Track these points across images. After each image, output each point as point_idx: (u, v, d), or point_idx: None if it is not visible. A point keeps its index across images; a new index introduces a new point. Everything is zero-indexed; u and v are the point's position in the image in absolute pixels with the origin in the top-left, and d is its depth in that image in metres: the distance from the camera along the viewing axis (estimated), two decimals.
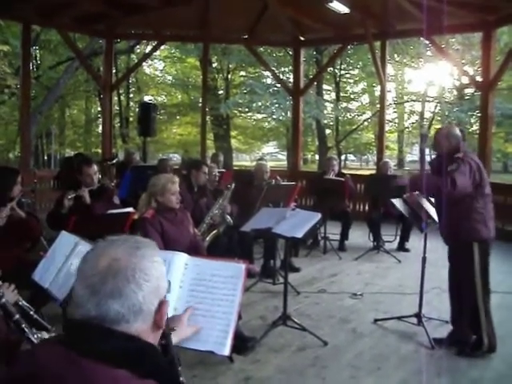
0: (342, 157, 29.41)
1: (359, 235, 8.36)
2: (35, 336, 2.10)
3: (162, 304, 1.25)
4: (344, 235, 7.91)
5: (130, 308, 1.17)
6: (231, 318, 2.01)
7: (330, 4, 8.87)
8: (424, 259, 4.58)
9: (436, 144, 4.19)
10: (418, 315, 4.56)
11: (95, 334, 1.16)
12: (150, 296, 1.21)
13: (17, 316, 2.14)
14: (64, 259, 2.99)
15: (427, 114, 24.95)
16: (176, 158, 29.01)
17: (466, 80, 16.84)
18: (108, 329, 1.17)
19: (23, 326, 2.11)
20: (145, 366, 1.17)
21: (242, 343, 3.94)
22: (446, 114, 20.64)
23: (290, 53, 14.12)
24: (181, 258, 2.16)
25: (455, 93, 21.28)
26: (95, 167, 5.21)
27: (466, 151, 4.05)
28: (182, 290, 2.09)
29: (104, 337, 1.16)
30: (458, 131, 4.18)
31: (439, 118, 23.27)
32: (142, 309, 1.19)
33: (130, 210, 4.29)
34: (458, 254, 4.13)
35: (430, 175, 4.06)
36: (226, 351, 1.97)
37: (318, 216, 4.52)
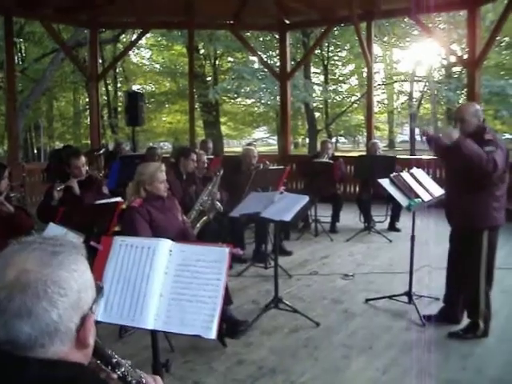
0: (333, 139, 29.48)
1: (350, 217, 8.39)
2: None
3: (85, 319, 1.06)
4: (335, 217, 7.94)
5: (42, 329, 0.98)
6: (217, 302, 2.04)
7: None
8: (413, 238, 4.63)
9: (463, 123, 3.82)
10: (409, 293, 4.61)
11: (5, 365, 0.98)
12: (68, 313, 1.01)
13: None
14: None
15: (416, 94, 24.95)
16: (166, 146, 28.97)
17: (453, 59, 16.81)
18: (20, 357, 0.99)
19: None
20: None
21: (235, 327, 3.99)
22: (435, 92, 20.66)
23: (277, 36, 14.04)
24: (165, 245, 2.18)
25: (443, 72, 21.26)
26: (83, 159, 5.20)
27: (493, 132, 3.87)
28: (168, 276, 2.11)
29: (16, 368, 0.98)
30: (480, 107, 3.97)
31: (429, 98, 23.31)
32: (59, 329, 1.00)
33: (118, 199, 4.29)
34: (465, 239, 4.01)
35: (472, 142, 3.63)
36: (213, 334, 1.99)
37: (305, 199, 4.54)
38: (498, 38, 12.34)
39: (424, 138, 4.06)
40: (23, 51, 21.47)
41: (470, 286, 4.01)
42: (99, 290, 1.13)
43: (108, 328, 3.75)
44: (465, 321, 4.10)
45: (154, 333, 2.35)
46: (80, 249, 1.13)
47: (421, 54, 21.15)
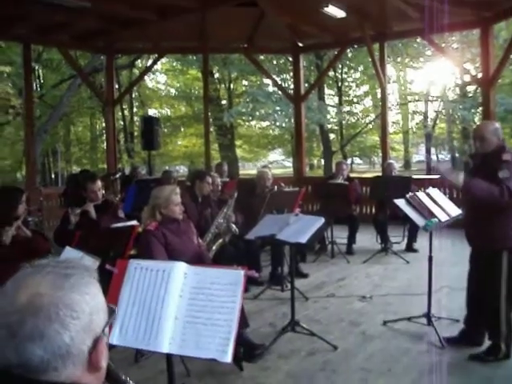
0: (349, 160, 29.44)
1: (367, 238, 8.33)
2: None
3: (97, 341, 1.05)
4: (351, 239, 7.89)
5: (55, 352, 0.98)
6: (232, 325, 2.02)
7: (326, 9, 8.90)
8: (430, 258, 4.57)
9: (483, 142, 3.79)
10: (428, 315, 4.54)
11: None
12: (80, 335, 1.01)
13: None
14: None
15: (431, 114, 24.91)
16: (182, 169, 29.14)
17: (467, 78, 16.79)
18: (33, 380, 0.98)
19: None
20: None
21: (251, 351, 3.95)
22: (450, 112, 20.60)
23: (290, 59, 14.17)
24: (179, 268, 2.18)
25: (457, 91, 21.23)
26: (99, 183, 5.25)
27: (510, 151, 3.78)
28: (182, 300, 2.10)
29: None
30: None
31: (444, 117, 23.25)
32: (71, 352, 1.00)
33: (134, 222, 4.31)
34: (485, 260, 3.95)
35: (480, 180, 3.66)
36: (228, 358, 1.97)
37: (321, 220, 4.52)
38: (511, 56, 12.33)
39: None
40: (41, 77, 21.87)
41: (490, 307, 3.94)
42: (111, 313, 1.13)
43: (124, 352, 3.73)
44: (486, 343, 4.02)
45: (169, 356, 2.33)
46: (92, 272, 1.13)
47: (434, 74, 21.21)
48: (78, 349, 1.01)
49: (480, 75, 10.22)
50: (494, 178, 3.62)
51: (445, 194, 5.06)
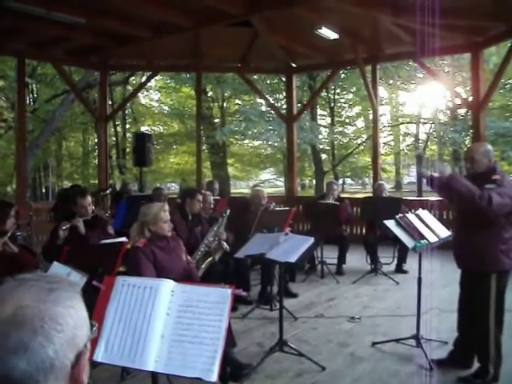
0: (340, 180, 29.52)
1: (357, 258, 8.33)
2: None
3: (80, 356, 1.04)
4: (341, 259, 7.89)
5: (38, 365, 0.97)
6: (218, 344, 2.00)
7: (319, 31, 9.00)
8: (419, 280, 4.58)
9: (473, 163, 3.85)
10: (417, 337, 4.53)
11: None
12: (64, 349, 1.00)
13: None
14: None
15: (422, 136, 25.11)
16: (174, 187, 29.12)
17: (458, 101, 16.98)
18: None
19: None
20: None
21: (238, 371, 3.91)
22: (441, 134, 20.77)
23: (283, 79, 14.28)
24: (167, 286, 2.16)
25: (448, 114, 21.44)
26: (89, 198, 5.24)
27: (502, 173, 3.83)
28: (169, 317, 2.09)
29: None
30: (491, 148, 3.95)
31: (435, 139, 23.43)
32: (54, 365, 0.99)
33: (123, 239, 4.29)
34: (473, 282, 3.95)
35: (465, 179, 3.70)
36: (214, 377, 1.95)
37: (311, 240, 4.52)
38: (502, 81, 12.51)
39: (424, 180, 4.09)
40: (35, 92, 21.88)
41: (479, 329, 3.93)
42: (92, 328, 1.12)
43: (110, 370, 3.69)
44: (475, 365, 4.01)
45: (154, 375, 2.30)
46: (76, 287, 1.12)
47: (426, 97, 21.42)
48: (61, 362, 1.00)
49: (470, 99, 10.34)
50: None
51: (434, 215, 5.07)
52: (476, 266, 3.91)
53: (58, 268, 3.25)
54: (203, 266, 5.40)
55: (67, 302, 1.04)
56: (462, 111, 19.75)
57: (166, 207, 4.25)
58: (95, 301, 2.32)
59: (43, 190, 25.06)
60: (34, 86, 20.99)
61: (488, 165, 3.83)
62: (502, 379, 3.89)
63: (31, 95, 21.28)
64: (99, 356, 2.12)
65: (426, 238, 4.41)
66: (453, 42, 9.68)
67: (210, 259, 5.53)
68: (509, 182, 3.78)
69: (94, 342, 2.11)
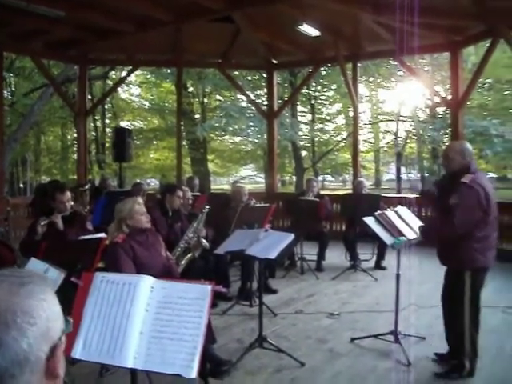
0: (320, 177, 29.62)
1: (336, 255, 8.38)
2: None
3: (55, 348, 1.04)
4: (321, 255, 7.92)
5: (12, 359, 0.96)
6: (198, 340, 2.00)
7: (301, 27, 9.01)
8: (398, 276, 4.63)
9: (447, 161, 3.94)
10: (395, 332, 4.58)
11: None
12: (38, 342, 1.00)
13: None
14: None
15: (402, 133, 25.30)
16: (154, 182, 28.97)
17: (437, 99, 17.15)
18: None
19: None
20: None
21: (218, 367, 3.91)
22: (421, 132, 20.95)
23: (265, 76, 14.27)
24: (146, 282, 2.15)
25: (428, 112, 21.62)
26: (68, 194, 5.19)
27: (476, 173, 3.83)
28: (148, 314, 2.08)
29: None
30: (470, 147, 3.98)
31: (414, 137, 23.63)
32: (29, 358, 0.98)
33: (102, 235, 4.26)
34: (451, 279, 4.02)
35: (432, 227, 4.04)
36: (193, 374, 1.95)
37: (290, 236, 4.54)
38: (480, 80, 12.66)
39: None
40: (13, 85, 21.55)
41: (455, 324, 3.98)
42: (67, 323, 1.11)
43: (89, 367, 3.67)
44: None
45: (133, 372, 2.29)
46: (48, 281, 1.12)
47: (406, 95, 21.56)
48: (35, 355, 0.99)
49: (449, 97, 10.45)
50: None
51: (413, 212, 5.12)
52: (452, 263, 3.98)
53: (35, 264, 3.22)
54: (183, 263, 5.38)
55: (40, 296, 1.04)
56: (440, 109, 19.92)
57: (140, 200, 4.25)
58: (74, 297, 2.31)
59: (21, 185, 24.75)
60: (12, 79, 20.68)
61: (462, 163, 3.86)
62: (479, 374, 3.95)
63: (9, 89, 20.96)
64: (77, 353, 2.10)
65: (404, 235, 4.46)
66: (432, 41, 9.76)
67: (189, 255, 5.51)
68: (479, 183, 3.76)
69: (72, 338, 2.10)
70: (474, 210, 3.70)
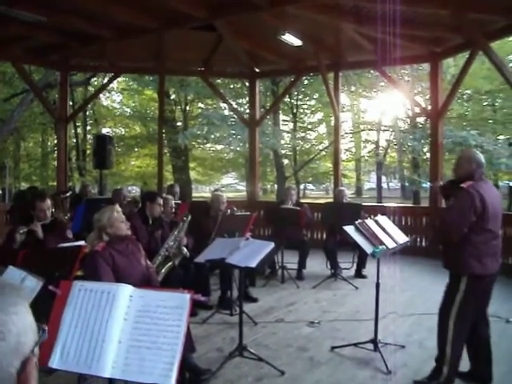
0: (302, 186, 29.72)
1: (317, 263, 8.40)
2: None
3: (26, 362, 1.01)
4: (301, 264, 7.93)
5: None
6: (176, 349, 1.99)
7: (283, 37, 9.06)
8: (378, 285, 4.65)
9: (457, 167, 4.03)
10: (374, 341, 4.60)
11: None
12: (8, 357, 0.97)
13: None
14: None
15: (382, 143, 25.53)
16: (135, 190, 28.80)
17: (417, 109, 17.35)
18: None
19: None
20: None
21: (197, 376, 3.89)
22: (401, 141, 21.14)
23: (247, 84, 14.32)
24: (125, 290, 2.14)
25: (408, 122, 21.85)
26: (49, 202, 5.13)
27: (479, 181, 3.87)
28: (127, 323, 2.06)
29: None
30: (481, 156, 4.01)
31: (395, 147, 23.84)
32: None
33: (82, 243, 4.22)
34: (449, 283, 3.99)
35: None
36: (171, 383, 1.94)
37: (271, 245, 4.54)
38: (459, 91, 12.84)
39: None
40: None
41: (440, 329, 3.95)
42: (42, 332, 1.09)
43: (66, 376, 3.62)
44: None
45: (111, 381, 2.27)
46: (20, 291, 1.09)
47: (386, 105, 21.78)
48: (5, 371, 0.97)
49: (429, 108, 10.58)
50: None
51: (393, 221, 5.16)
52: (451, 266, 3.96)
53: (13, 272, 3.18)
54: (163, 271, 5.35)
55: (10, 309, 1.01)
56: (421, 120, 20.14)
57: (118, 208, 4.22)
58: (51, 306, 2.28)
59: (0, 192, 24.43)
60: None
61: (468, 171, 3.92)
62: (495, 381, 3.96)
63: None
64: (55, 362, 2.08)
65: (384, 244, 4.49)
66: (413, 52, 9.90)
67: (170, 264, 5.48)
68: (477, 189, 3.78)
69: (49, 347, 2.07)
70: (465, 211, 3.72)
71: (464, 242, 3.78)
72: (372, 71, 16.87)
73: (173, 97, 22.16)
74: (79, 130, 23.61)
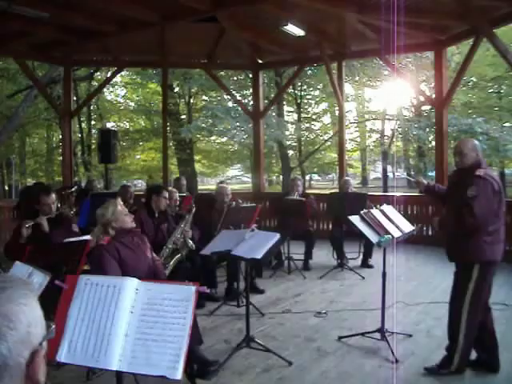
0: (307, 176, 29.68)
1: (323, 254, 8.41)
2: None
3: (35, 354, 1.03)
4: (308, 254, 7.94)
5: None
6: (183, 342, 2.00)
7: (286, 27, 9.01)
8: (384, 274, 4.65)
9: (461, 157, 3.98)
10: (381, 330, 4.60)
11: None
12: (18, 346, 0.99)
13: None
14: None
15: (387, 132, 25.43)
16: (140, 184, 28.87)
17: (422, 98, 17.26)
18: None
19: None
20: None
21: (205, 367, 3.91)
22: (406, 130, 21.05)
23: (250, 76, 14.27)
24: (131, 284, 2.15)
25: (413, 110, 21.75)
26: (54, 196, 5.14)
27: (486, 167, 3.92)
28: (133, 316, 2.07)
29: None
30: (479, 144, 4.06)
31: (400, 136, 23.75)
32: (8, 363, 0.97)
33: (88, 237, 4.23)
34: (459, 274, 3.99)
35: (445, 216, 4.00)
36: (179, 375, 1.95)
37: (276, 236, 4.54)
38: (464, 78, 12.76)
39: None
40: None
41: (452, 318, 3.96)
42: (48, 328, 1.10)
43: (76, 370, 3.65)
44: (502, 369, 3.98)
45: (119, 374, 2.28)
46: (30, 286, 1.11)
47: (391, 94, 21.66)
48: (15, 360, 0.98)
49: (434, 96, 10.53)
50: (466, 194, 3.76)
51: (399, 210, 5.15)
52: (462, 256, 3.95)
53: (20, 267, 3.20)
54: (171, 263, 5.37)
55: (20, 300, 1.02)
56: (425, 108, 20.04)
57: (120, 201, 4.23)
58: (58, 300, 2.29)
59: (6, 188, 24.56)
60: None
61: (476, 159, 3.93)
62: (503, 368, 3.95)
63: None
64: (62, 356, 2.09)
65: (390, 233, 4.48)
66: (417, 40, 9.83)
67: (177, 256, 5.50)
68: (492, 177, 3.85)
69: (57, 341, 2.09)
70: (491, 199, 3.77)
71: (479, 231, 3.79)
72: (376, 60, 16.78)
73: (176, 90, 22.14)
74: (84, 125, 23.64)
